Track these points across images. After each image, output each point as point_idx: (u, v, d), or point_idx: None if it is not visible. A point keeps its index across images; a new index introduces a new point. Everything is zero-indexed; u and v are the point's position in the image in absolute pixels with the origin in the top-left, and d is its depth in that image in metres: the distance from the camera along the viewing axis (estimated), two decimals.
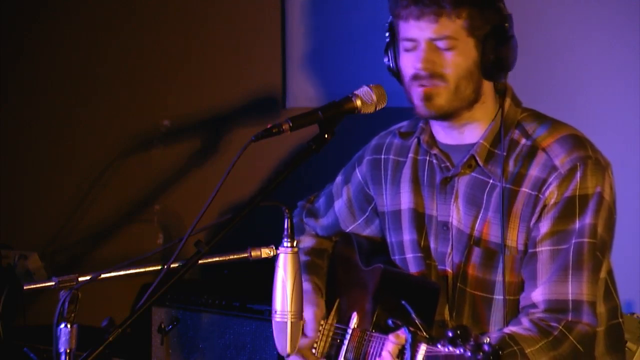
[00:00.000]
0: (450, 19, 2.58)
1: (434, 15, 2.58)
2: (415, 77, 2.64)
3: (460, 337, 2.15)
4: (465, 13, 2.59)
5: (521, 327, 2.57)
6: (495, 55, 2.62)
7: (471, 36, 2.61)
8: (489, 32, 2.61)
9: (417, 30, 2.61)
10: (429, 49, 2.61)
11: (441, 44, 2.60)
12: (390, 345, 2.52)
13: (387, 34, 2.73)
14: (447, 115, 2.67)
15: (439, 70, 2.62)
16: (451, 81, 2.62)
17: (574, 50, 3.66)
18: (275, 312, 2.21)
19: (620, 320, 2.76)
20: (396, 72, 2.72)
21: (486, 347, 2.11)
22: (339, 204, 3.03)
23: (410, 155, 2.85)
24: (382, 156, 2.92)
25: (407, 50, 2.65)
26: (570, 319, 2.57)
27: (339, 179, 3.06)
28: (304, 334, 2.87)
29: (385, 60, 2.73)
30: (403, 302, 2.47)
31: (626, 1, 3.59)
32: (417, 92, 2.65)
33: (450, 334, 2.16)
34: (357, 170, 2.98)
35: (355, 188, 2.99)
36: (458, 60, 2.61)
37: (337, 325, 2.89)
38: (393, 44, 2.71)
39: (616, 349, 2.75)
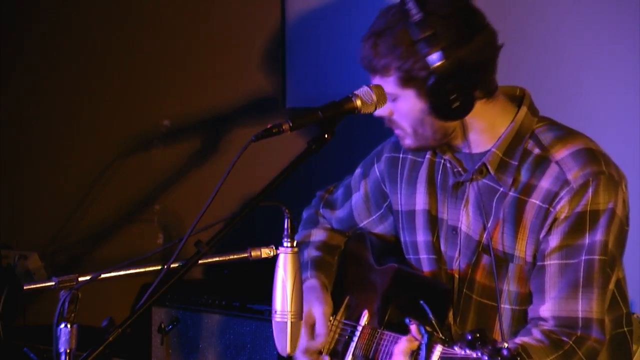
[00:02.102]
0: (382, 77, 2.60)
1: (372, 74, 2.64)
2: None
3: (479, 340, 2.14)
4: (393, 70, 2.59)
5: (532, 337, 2.57)
6: (443, 98, 2.56)
7: (408, 88, 2.59)
8: (432, 77, 2.54)
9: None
10: None
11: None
12: (404, 344, 2.50)
13: None
14: (426, 149, 2.75)
15: (391, 119, 2.67)
16: (406, 127, 2.67)
17: (574, 50, 3.66)
18: (275, 312, 2.21)
19: (626, 329, 2.74)
20: None
21: (505, 352, 2.10)
22: (356, 197, 3.02)
23: (427, 156, 2.83)
24: (401, 155, 2.90)
25: None
26: (579, 334, 2.57)
27: (358, 171, 3.04)
28: (314, 333, 2.86)
29: None
30: (421, 301, 2.46)
31: (626, 1, 3.58)
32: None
33: (469, 337, 2.15)
34: (375, 166, 2.97)
35: (372, 183, 2.98)
36: (402, 110, 2.64)
37: (346, 322, 2.88)
38: None
39: (620, 356, 2.74)
